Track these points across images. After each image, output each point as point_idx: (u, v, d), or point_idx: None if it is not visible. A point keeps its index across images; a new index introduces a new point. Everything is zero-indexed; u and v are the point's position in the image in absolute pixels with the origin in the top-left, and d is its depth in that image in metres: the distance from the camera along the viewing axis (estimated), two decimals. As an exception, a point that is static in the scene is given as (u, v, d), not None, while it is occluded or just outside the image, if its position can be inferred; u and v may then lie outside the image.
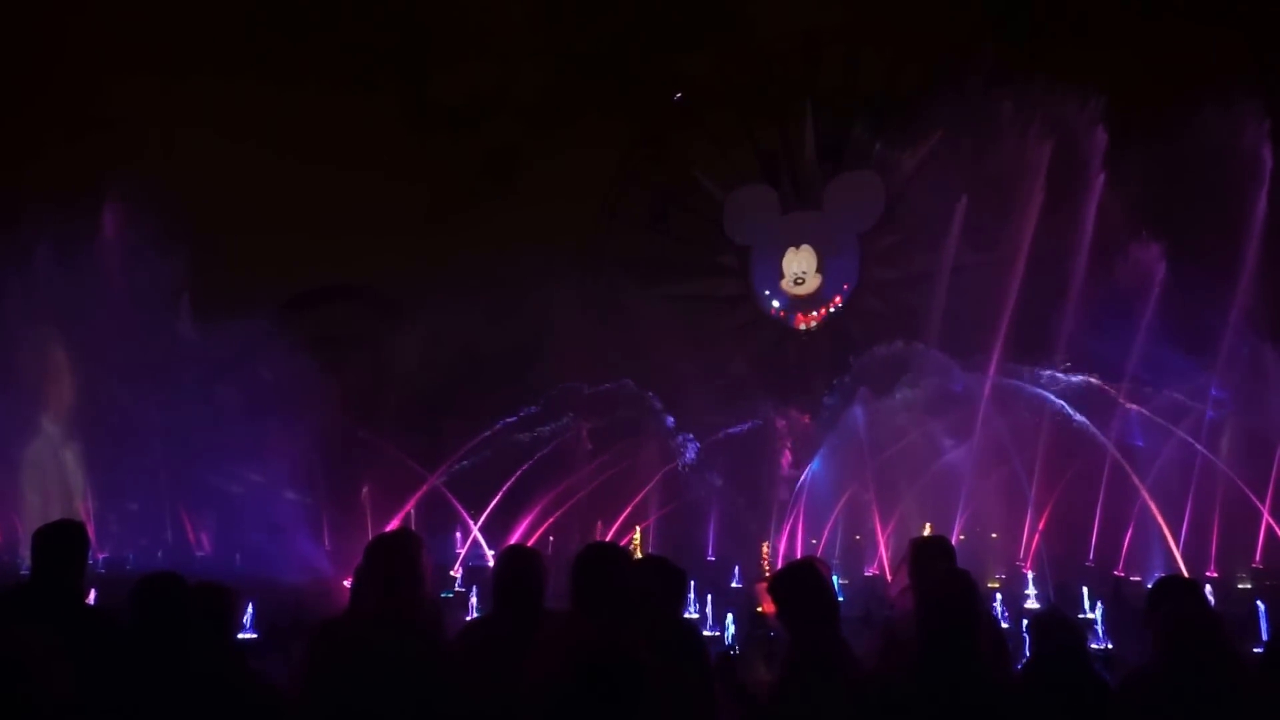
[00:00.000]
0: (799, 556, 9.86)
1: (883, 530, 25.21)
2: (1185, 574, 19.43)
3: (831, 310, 47.05)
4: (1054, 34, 45.23)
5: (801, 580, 4.55)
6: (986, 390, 25.29)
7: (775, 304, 48.29)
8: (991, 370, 25.68)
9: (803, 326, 47.46)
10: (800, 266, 47.67)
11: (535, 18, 54.88)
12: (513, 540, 25.67)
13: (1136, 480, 22.89)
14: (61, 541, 4.79)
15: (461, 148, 53.47)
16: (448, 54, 55.12)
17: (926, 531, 20.51)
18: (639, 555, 21.80)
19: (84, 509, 24.73)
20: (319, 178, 49.40)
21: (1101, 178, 26.17)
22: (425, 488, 28.79)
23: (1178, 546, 22.22)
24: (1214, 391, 26.22)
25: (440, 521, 29.81)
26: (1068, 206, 26.64)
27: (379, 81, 53.96)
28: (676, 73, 52.28)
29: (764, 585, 4.61)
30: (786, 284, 47.85)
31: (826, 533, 26.12)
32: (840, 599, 4.89)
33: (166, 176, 43.86)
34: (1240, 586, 21.01)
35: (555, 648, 3.24)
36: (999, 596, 16.98)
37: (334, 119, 51.35)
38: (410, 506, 28.33)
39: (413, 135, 53.09)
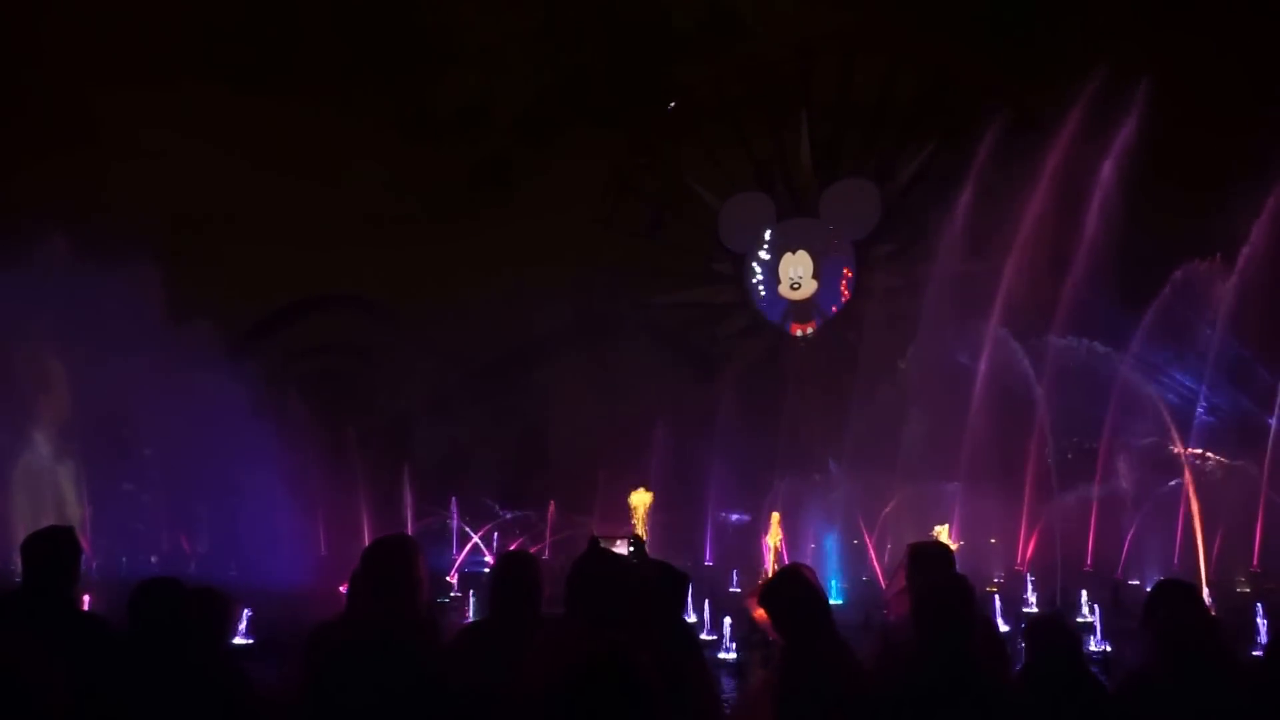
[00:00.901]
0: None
1: (884, 536, 25.11)
2: (1204, 578, 19.45)
3: (829, 317, 47.03)
4: (1054, 42, 45.34)
5: (789, 587, 4.53)
6: (982, 376, 25.20)
7: (771, 311, 48.29)
8: (988, 342, 25.56)
9: (799, 334, 47.44)
10: (797, 271, 47.69)
11: (529, 27, 54.85)
12: (512, 546, 25.69)
13: (1189, 486, 22.62)
14: (52, 548, 4.78)
15: (453, 158, 53.33)
16: (439, 64, 55.13)
17: (940, 535, 20.42)
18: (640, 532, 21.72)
19: (80, 516, 24.66)
20: (311, 188, 49.37)
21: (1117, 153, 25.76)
22: (412, 528, 28.80)
23: (1200, 551, 22.00)
24: (1204, 394, 26.28)
25: (439, 527, 29.83)
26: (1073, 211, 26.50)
27: (371, 91, 53.99)
28: (671, 82, 52.33)
29: (753, 599, 4.59)
30: (784, 289, 47.84)
31: (813, 539, 26.03)
32: (839, 602, 4.88)
33: (154, 187, 43.88)
34: (1238, 590, 20.98)
35: (553, 654, 3.22)
36: (997, 600, 16.91)
37: (323, 129, 51.29)
38: (410, 526, 28.32)
39: (404, 145, 52.94)
